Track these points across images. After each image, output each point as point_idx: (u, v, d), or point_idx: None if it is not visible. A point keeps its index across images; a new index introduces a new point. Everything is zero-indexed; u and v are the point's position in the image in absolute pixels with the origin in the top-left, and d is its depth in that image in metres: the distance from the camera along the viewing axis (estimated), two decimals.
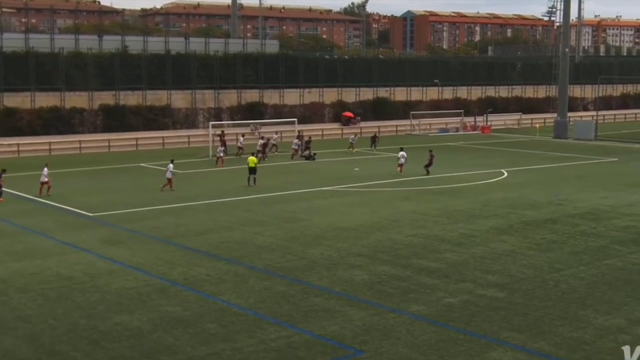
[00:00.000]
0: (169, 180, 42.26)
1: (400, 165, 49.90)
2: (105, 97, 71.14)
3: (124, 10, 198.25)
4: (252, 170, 44.36)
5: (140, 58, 75.00)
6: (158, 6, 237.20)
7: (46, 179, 41.17)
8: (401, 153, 50.26)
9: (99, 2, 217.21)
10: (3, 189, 39.56)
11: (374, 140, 65.85)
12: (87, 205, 38.68)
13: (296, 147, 60.01)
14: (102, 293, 23.90)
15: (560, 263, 27.74)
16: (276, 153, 61.04)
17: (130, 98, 72.62)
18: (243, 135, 62.52)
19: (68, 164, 54.96)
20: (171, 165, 42.97)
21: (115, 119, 70.40)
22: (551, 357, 18.90)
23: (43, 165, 42.27)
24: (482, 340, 19.98)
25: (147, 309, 22.29)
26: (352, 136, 65.81)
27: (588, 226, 34.20)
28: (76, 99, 69.60)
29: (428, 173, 49.19)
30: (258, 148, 56.84)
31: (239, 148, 59.40)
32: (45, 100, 67.67)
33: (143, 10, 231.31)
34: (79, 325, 20.96)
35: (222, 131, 64.70)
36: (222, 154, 54.40)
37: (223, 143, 59.96)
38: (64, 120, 67.78)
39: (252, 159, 45.02)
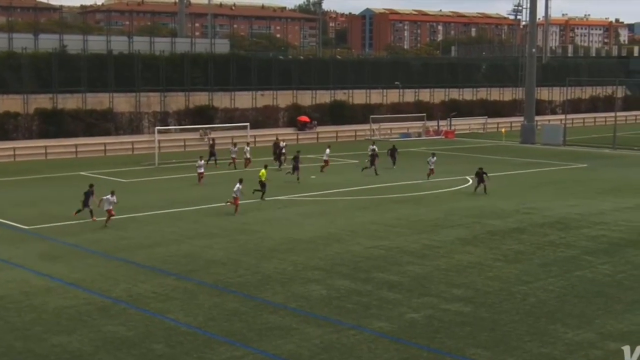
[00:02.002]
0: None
1: (431, 169, 51.84)
2: (42, 101, 69.96)
3: (61, 7, 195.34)
4: (262, 185, 42.62)
5: (79, 58, 73.72)
6: (99, 3, 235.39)
7: None
8: (432, 159, 52.57)
9: None
10: None
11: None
12: (22, 217, 38.09)
13: (234, 156, 57.04)
14: (39, 312, 23.46)
15: (528, 275, 27.98)
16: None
17: (69, 101, 71.42)
18: (248, 144, 60.43)
19: (3, 173, 54.07)
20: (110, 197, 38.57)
21: (52, 124, 69.03)
22: None
23: None
24: (447, 357, 20.07)
25: (87, 329, 21.90)
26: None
27: (557, 236, 34.60)
28: (10, 103, 68.25)
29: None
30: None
31: (246, 159, 56.70)
32: None
33: (82, 7, 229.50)
34: (14, 348, 20.55)
35: (213, 139, 63.52)
36: (202, 170, 48.67)
37: (212, 153, 58.15)
38: None
39: (262, 172, 43.10)
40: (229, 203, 38.77)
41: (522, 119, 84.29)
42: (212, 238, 33.73)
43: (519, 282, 27.11)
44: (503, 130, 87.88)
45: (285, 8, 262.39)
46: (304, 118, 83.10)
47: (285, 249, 31.80)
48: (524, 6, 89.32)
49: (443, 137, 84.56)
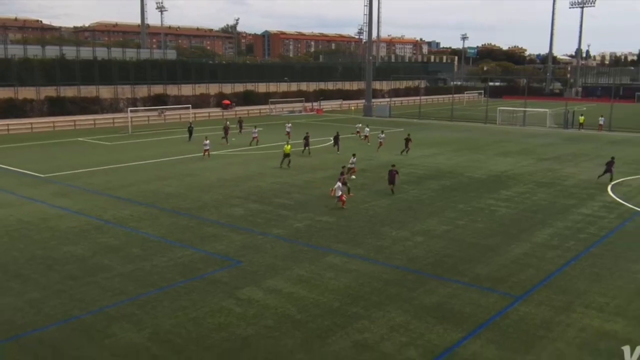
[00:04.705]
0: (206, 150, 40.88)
1: (380, 142, 45.98)
2: (49, 91, 67.62)
3: (60, 27, 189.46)
4: (287, 155, 37.39)
5: (74, 62, 71.53)
6: (87, 25, 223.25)
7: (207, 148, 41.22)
8: (381, 136, 47.00)
9: (41, 21, 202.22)
10: None
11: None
12: (38, 169, 36.46)
13: (255, 136, 47.68)
14: (53, 231, 22.70)
15: (369, 197, 28.73)
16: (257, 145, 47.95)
17: (68, 91, 69.21)
18: (255, 127, 50.71)
19: (23, 140, 51.62)
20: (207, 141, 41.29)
21: (57, 107, 67.03)
22: (364, 258, 19.70)
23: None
24: (320, 250, 20.53)
25: (87, 241, 21.38)
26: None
27: (386, 173, 35.40)
28: (26, 92, 65.87)
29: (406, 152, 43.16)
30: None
31: (254, 138, 47.89)
32: (2, 93, 63.65)
33: (75, 27, 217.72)
34: (36, 255, 19.88)
35: (239, 121, 57.66)
36: (207, 147, 41.33)
37: (225, 132, 49.78)
38: (18, 108, 64.18)
39: (287, 147, 37.77)
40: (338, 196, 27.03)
41: (364, 100, 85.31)
42: (168, 180, 33.10)
43: (362, 202, 27.81)
44: (352, 108, 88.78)
45: (212, 29, 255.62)
46: (227, 101, 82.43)
47: (217, 185, 31.55)
48: (365, 30, 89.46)
49: (315, 112, 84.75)
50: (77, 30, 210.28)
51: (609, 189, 31.39)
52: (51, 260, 19.31)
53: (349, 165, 33.33)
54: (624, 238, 22.31)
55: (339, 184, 26.67)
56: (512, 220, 24.64)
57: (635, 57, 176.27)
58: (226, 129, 50.32)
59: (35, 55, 70.99)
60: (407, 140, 43.47)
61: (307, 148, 43.27)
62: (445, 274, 18.28)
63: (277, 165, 37.72)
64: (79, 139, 53.05)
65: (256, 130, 48.61)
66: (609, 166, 33.04)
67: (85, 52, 78.77)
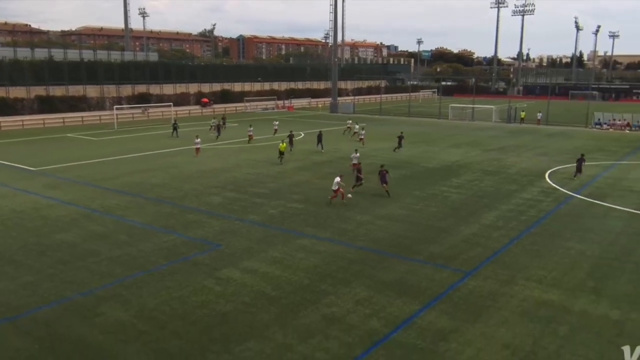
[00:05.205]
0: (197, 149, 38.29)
1: (361, 138, 44.43)
2: (39, 90, 65.85)
3: (49, 31, 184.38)
4: (282, 153, 35.90)
5: (62, 64, 69.55)
6: (73, 29, 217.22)
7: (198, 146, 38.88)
8: (361, 129, 45.75)
9: (29, 25, 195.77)
10: None
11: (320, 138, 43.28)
12: (30, 162, 35.59)
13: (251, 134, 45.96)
14: (45, 220, 22.19)
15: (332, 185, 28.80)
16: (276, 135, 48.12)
17: (57, 90, 67.42)
18: (250, 126, 48.73)
19: (15, 136, 50.16)
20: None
21: (46, 105, 65.29)
22: (331, 240, 19.78)
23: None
24: (292, 233, 20.55)
25: (78, 229, 20.96)
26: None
27: (349, 164, 35.57)
28: (17, 92, 64.15)
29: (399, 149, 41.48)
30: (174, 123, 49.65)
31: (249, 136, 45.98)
32: None
33: (63, 31, 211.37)
34: (29, 242, 19.43)
35: (221, 120, 52.88)
36: (198, 145, 38.99)
37: (218, 129, 48.58)
38: (9, 106, 62.48)
39: (282, 145, 36.17)
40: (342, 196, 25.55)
41: (330, 98, 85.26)
42: (152, 172, 32.61)
43: (329, 188, 27.72)
44: (320, 105, 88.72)
45: (191, 34, 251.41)
46: (205, 99, 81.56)
47: (197, 176, 31.23)
48: (331, 35, 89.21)
49: (287, 110, 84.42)
50: (65, 34, 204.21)
51: (546, 176, 32.16)
52: (43, 247, 18.89)
53: (353, 162, 31.54)
54: (559, 219, 22.92)
55: (338, 179, 24.72)
56: (462, 205, 25.05)
57: (568, 60, 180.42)
58: (218, 126, 49.33)
59: (25, 57, 69.14)
60: (400, 138, 41.85)
61: (290, 146, 41.66)
62: (403, 253, 18.52)
63: (251, 158, 37.54)
64: (68, 135, 51.81)
65: (251, 128, 47.40)
66: (579, 163, 31.37)
67: (73, 54, 76.79)
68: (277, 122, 53.00)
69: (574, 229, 21.35)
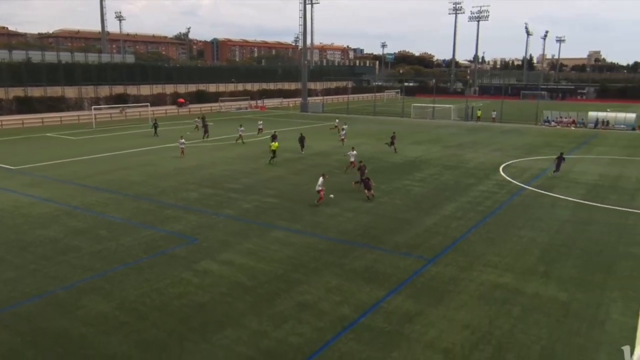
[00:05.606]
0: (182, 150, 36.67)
1: (342, 139, 42.49)
2: (17, 91, 63.77)
3: (26, 33, 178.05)
4: (273, 153, 34.59)
5: (40, 65, 67.36)
6: (51, 31, 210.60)
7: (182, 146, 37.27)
8: (342, 129, 44.07)
9: (7, 28, 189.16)
10: None
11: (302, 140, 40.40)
12: (10, 162, 34.42)
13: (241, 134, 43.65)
14: (26, 217, 21.50)
15: (306, 180, 28.59)
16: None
17: (36, 91, 65.40)
18: (241, 126, 45.97)
19: None
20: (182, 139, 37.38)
21: (25, 105, 63.32)
22: (303, 232, 19.72)
23: None
24: (266, 226, 20.43)
25: (58, 225, 20.38)
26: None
27: (320, 160, 35.55)
28: None
29: (394, 149, 39.74)
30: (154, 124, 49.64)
31: (239, 136, 43.70)
32: None
33: (40, 33, 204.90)
34: (10, 239, 18.80)
35: (204, 120, 49.86)
36: (183, 146, 37.37)
37: (205, 128, 46.35)
38: None
39: (275, 144, 34.79)
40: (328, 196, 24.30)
41: (301, 98, 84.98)
42: (130, 169, 31.95)
43: (301, 184, 27.76)
44: (291, 105, 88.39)
45: (167, 37, 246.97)
46: (181, 100, 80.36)
47: (174, 173, 30.73)
48: (300, 38, 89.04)
49: (260, 109, 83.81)
50: (42, 37, 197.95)
51: (500, 169, 32.76)
52: (25, 243, 18.32)
53: (351, 159, 30.88)
54: (512, 209, 23.39)
55: (321, 179, 23.46)
56: (424, 197, 25.31)
57: (520, 62, 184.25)
58: (205, 125, 47.71)
59: (2, 59, 66.84)
60: (392, 137, 40.79)
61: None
62: (370, 242, 18.61)
63: (226, 155, 37.14)
64: (47, 134, 50.32)
65: (242, 128, 44.74)
66: (559, 161, 30.91)
67: (50, 56, 74.43)
68: (261, 122, 52.59)
69: (525, 218, 21.81)
